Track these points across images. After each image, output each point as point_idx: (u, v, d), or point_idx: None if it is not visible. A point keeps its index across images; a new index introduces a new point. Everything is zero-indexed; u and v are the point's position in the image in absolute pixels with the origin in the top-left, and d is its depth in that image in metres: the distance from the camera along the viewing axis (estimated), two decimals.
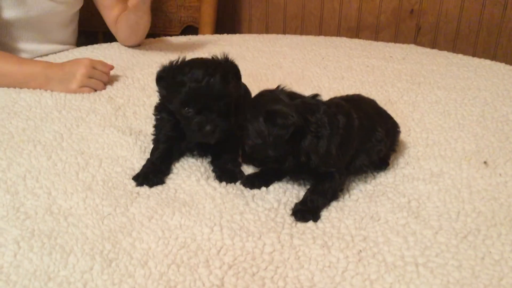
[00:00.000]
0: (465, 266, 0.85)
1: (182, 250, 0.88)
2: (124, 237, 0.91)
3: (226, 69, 1.08)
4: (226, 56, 1.13)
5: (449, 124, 1.34)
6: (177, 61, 1.10)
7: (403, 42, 2.07)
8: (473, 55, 1.94)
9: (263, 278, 0.82)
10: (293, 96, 1.01)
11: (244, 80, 1.22)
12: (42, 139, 1.23)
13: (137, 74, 1.65)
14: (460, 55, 1.88)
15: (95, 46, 1.85)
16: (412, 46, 1.99)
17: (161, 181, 1.08)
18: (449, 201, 1.02)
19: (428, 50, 1.94)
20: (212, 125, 1.05)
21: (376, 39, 2.24)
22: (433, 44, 2.25)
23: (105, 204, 0.99)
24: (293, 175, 1.08)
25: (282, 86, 1.03)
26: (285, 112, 0.95)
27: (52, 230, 0.92)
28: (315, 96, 1.03)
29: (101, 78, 1.53)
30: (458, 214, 0.98)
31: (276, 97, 0.98)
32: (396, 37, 2.29)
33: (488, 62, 1.81)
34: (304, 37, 2.10)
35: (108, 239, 0.90)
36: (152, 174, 1.08)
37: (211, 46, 1.94)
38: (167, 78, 1.08)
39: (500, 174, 1.10)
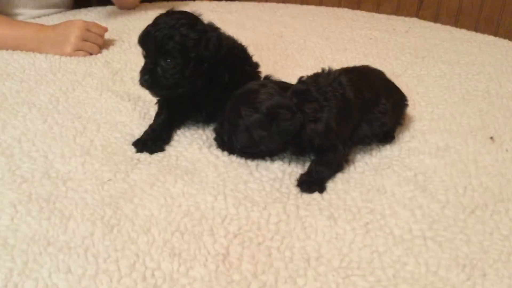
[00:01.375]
0: (473, 241, 0.84)
1: (186, 218, 0.85)
2: (125, 203, 0.88)
3: (189, 24, 1.02)
4: (210, 22, 1.08)
5: (454, 99, 1.32)
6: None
7: (405, 15, 2.03)
8: (475, 30, 1.91)
9: (269, 248, 0.80)
10: (283, 86, 0.99)
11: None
12: (37, 102, 1.18)
13: (133, 39, 1.58)
14: (463, 30, 1.85)
15: (89, 9, 1.79)
16: (415, 19, 1.96)
17: (160, 149, 1.04)
18: (456, 176, 1.00)
19: (431, 24, 1.91)
20: (142, 72, 1.03)
21: (378, 11, 2.19)
22: (435, 18, 2.21)
23: (105, 169, 0.96)
24: (295, 154, 1.05)
25: (269, 76, 1.02)
26: (289, 111, 0.94)
27: (50, 194, 0.89)
28: (300, 80, 1.00)
29: (96, 40, 1.47)
30: (465, 189, 0.96)
31: (272, 94, 0.95)
32: (398, 10, 2.24)
33: (491, 38, 1.78)
34: (305, 7, 2.05)
35: (109, 205, 0.87)
36: (152, 141, 1.05)
37: (208, 13, 1.86)
38: None
39: (506, 150, 1.09)
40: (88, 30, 1.44)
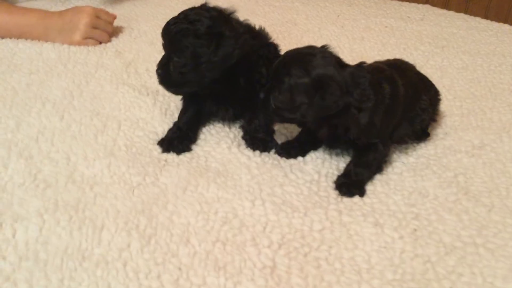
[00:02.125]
0: None
1: (225, 226, 0.81)
2: (159, 210, 0.83)
3: (208, 25, 0.94)
4: (243, 23, 1.03)
5: (481, 92, 1.29)
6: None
7: (414, 1, 1.98)
8: (485, 17, 1.87)
9: (317, 259, 0.76)
10: (340, 63, 0.92)
11: None
12: (50, 97, 1.12)
13: (143, 26, 1.53)
14: (478, 18, 1.81)
15: None
16: (428, 6, 1.91)
17: (187, 148, 0.99)
18: (496, 176, 0.97)
19: (445, 11, 1.87)
20: (158, 65, 0.99)
21: None
22: (445, 4, 2.16)
23: (133, 172, 0.91)
24: (329, 144, 1.01)
25: (327, 47, 0.94)
26: (338, 85, 0.87)
27: (78, 201, 0.83)
28: (360, 64, 0.93)
29: (106, 28, 1.40)
30: (507, 191, 0.93)
31: (329, 64, 0.88)
32: None
33: (507, 26, 1.75)
34: None
35: (142, 212, 0.82)
36: (178, 140, 0.99)
37: None
38: None
39: None
40: (98, 17, 1.37)
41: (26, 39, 1.35)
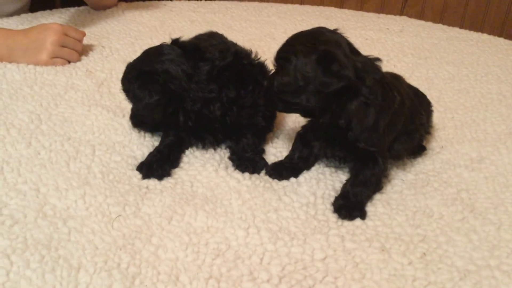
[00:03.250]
0: None
1: (218, 260, 0.72)
2: (143, 245, 0.74)
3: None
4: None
5: (471, 103, 1.25)
6: None
7: (389, 13, 1.96)
8: (460, 27, 1.86)
9: None
10: (353, 49, 0.85)
11: None
12: (15, 121, 1.02)
13: (115, 44, 1.44)
14: (456, 28, 1.79)
15: (62, 10, 1.60)
16: (405, 18, 1.88)
17: (166, 173, 0.91)
18: (500, 191, 0.92)
19: (422, 22, 1.84)
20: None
21: (362, 9, 2.11)
22: (420, 15, 2.15)
23: (111, 202, 0.82)
24: (325, 151, 0.92)
25: (340, 32, 0.87)
26: (343, 61, 0.79)
27: (51, 238, 0.74)
28: (376, 59, 0.86)
29: (75, 46, 1.31)
30: None
31: (338, 42, 0.82)
32: (383, 8, 2.17)
33: (486, 36, 1.72)
34: (290, 6, 1.94)
35: (124, 248, 0.73)
36: (158, 163, 0.91)
37: (190, 13, 1.75)
38: None
39: None
40: (66, 35, 1.27)
41: None
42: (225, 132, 0.97)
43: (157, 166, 0.91)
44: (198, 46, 0.95)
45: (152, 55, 0.93)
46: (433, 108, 1.12)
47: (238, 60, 0.96)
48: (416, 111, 0.94)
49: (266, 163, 0.95)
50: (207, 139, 0.97)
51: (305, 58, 0.80)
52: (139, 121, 1.01)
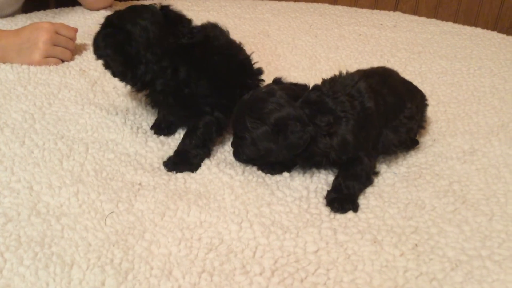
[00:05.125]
0: None
1: (211, 254, 0.73)
2: (136, 240, 0.74)
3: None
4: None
5: (464, 96, 1.25)
6: None
7: (384, 9, 1.96)
8: (455, 22, 1.86)
9: (316, 284, 0.69)
10: (294, 92, 0.88)
11: None
12: (9, 121, 1.02)
13: None
14: (449, 23, 1.79)
15: (55, 11, 1.61)
16: (399, 13, 1.88)
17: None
18: (492, 182, 0.92)
19: (416, 17, 1.84)
20: None
21: (356, 5, 2.11)
22: (415, 11, 2.16)
23: (104, 199, 0.82)
24: (314, 167, 0.94)
25: (279, 79, 0.93)
26: (298, 119, 0.84)
27: (44, 236, 0.74)
28: (316, 89, 0.89)
29: (67, 45, 1.31)
30: (506, 197, 0.89)
31: (280, 100, 0.85)
32: (376, 4, 2.17)
33: (480, 30, 1.73)
34: (284, 3, 1.94)
35: (117, 244, 0.73)
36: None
37: (184, 12, 1.74)
38: None
39: None
40: (58, 33, 1.27)
41: None
42: (172, 112, 0.99)
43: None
44: (181, 19, 0.96)
45: (132, 12, 0.94)
46: (426, 102, 1.13)
47: (207, 44, 0.97)
48: (399, 108, 0.94)
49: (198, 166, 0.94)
50: (161, 112, 1.02)
51: (259, 132, 0.85)
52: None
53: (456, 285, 0.70)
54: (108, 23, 0.95)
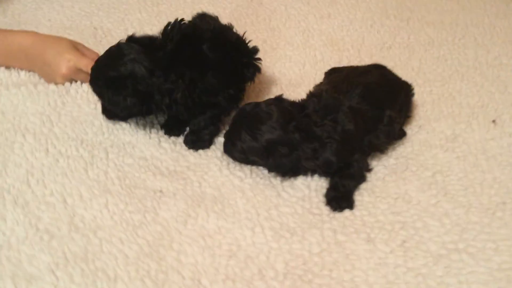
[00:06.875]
0: (502, 248, 0.89)
1: (232, 261, 0.86)
2: (166, 251, 0.87)
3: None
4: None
5: (448, 73, 1.34)
6: None
7: None
8: None
9: (321, 286, 0.83)
10: (290, 114, 0.97)
11: (225, 22, 1.13)
12: (29, 125, 1.09)
13: (105, 22, 1.48)
14: None
15: None
16: None
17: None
18: (470, 171, 1.05)
19: None
20: None
21: None
22: None
23: (131, 209, 0.93)
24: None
25: (281, 97, 1.02)
26: (287, 145, 0.96)
27: (86, 251, 0.86)
28: (307, 115, 0.98)
29: (88, 70, 1.14)
30: (481, 186, 1.01)
31: (274, 124, 0.95)
32: None
33: None
34: None
35: (150, 255, 0.86)
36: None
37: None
38: None
39: (510, 134, 1.13)
40: (79, 69, 1.18)
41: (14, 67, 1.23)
42: (189, 113, 1.06)
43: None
44: (152, 38, 1.04)
45: (115, 58, 1.01)
46: (413, 82, 1.22)
47: (187, 38, 1.03)
48: (378, 119, 1.02)
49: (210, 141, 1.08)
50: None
51: (250, 145, 0.97)
52: (111, 114, 1.09)
53: (437, 279, 0.84)
54: (104, 76, 1.01)
